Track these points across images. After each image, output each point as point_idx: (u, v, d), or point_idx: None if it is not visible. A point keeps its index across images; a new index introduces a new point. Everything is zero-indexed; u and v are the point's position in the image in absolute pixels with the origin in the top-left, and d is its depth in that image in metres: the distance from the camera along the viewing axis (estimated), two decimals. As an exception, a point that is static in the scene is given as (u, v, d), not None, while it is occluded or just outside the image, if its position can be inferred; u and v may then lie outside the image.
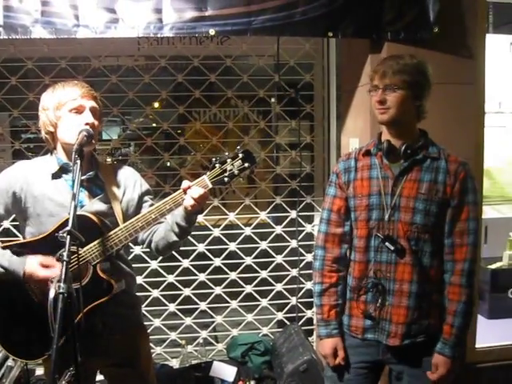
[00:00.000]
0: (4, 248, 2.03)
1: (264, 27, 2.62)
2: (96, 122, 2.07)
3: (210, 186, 1.97)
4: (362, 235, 2.16)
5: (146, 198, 2.25)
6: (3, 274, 1.98)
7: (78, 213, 1.88)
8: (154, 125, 3.99)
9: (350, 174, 2.21)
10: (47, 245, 2.00)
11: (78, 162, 1.85)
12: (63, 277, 1.62)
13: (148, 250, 2.29)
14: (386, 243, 2.07)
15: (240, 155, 1.97)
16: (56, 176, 2.09)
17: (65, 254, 1.66)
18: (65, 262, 1.64)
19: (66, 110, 2.05)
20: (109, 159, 4.13)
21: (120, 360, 2.21)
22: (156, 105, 3.86)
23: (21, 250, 2.03)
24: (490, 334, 3.26)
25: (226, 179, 1.96)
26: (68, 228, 1.70)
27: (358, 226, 2.18)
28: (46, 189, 2.06)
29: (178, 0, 2.58)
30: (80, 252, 1.96)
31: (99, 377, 2.39)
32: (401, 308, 2.09)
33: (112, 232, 2.01)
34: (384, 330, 2.13)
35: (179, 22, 2.57)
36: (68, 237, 1.70)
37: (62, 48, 3.36)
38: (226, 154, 1.99)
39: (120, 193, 2.17)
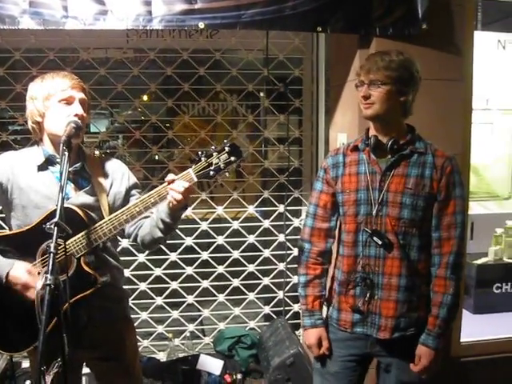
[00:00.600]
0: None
1: (253, 21, 2.61)
2: (85, 114, 2.06)
3: (195, 179, 1.96)
4: (350, 230, 2.17)
5: (134, 191, 2.24)
6: None
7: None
8: (143, 118, 3.98)
9: (339, 169, 2.22)
10: (32, 237, 1.99)
11: (66, 153, 1.84)
12: (50, 268, 1.61)
13: (134, 243, 2.29)
14: (374, 238, 2.09)
15: (226, 149, 1.95)
16: (42, 168, 2.07)
17: (52, 245, 1.66)
18: (51, 254, 1.64)
19: (55, 100, 2.03)
20: (97, 152, 4.11)
21: (105, 353, 2.20)
22: (145, 98, 3.86)
23: (5, 244, 2.03)
24: (475, 328, 3.29)
25: (211, 173, 1.95)
26: (55, 220, 1.70)
27: (347, 221, 2.19)
28: (31, 181, 2.05)
29: (168, -8, 2.57)
30: (63, 244, 1.95)
31: (85, 370, 2.39)
32: (390, 302, 2.11)
33: (96, 225, 2.00)
34: (374, 323, 2.14)
35: (169, 15, 2.56)
36: (55, 228, 1.69)
37: (50, 39, 3.35)
38: (213, 147, 1.97)
39: (107, 185, 2.16)
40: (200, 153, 1.97)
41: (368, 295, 2.13)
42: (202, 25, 2.58)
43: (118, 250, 3.23)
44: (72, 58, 3.58)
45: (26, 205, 2.04)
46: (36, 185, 2.04)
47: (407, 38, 2.75)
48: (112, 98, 3.59)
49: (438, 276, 2.11)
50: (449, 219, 2.09)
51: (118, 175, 2.21)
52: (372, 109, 2.06)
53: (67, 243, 1.95)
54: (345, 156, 2.22)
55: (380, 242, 2.08)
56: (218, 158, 1.94)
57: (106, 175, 2.17)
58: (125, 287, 2.36)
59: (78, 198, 2.07)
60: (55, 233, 1.69)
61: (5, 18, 2.46)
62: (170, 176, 1.97)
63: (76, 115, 2.01)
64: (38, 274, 1.92)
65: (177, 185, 1.94)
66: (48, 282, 1.59)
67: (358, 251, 2.16)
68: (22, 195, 2.04)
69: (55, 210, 1.83)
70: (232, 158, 1.94)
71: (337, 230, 2.30)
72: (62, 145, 1.85)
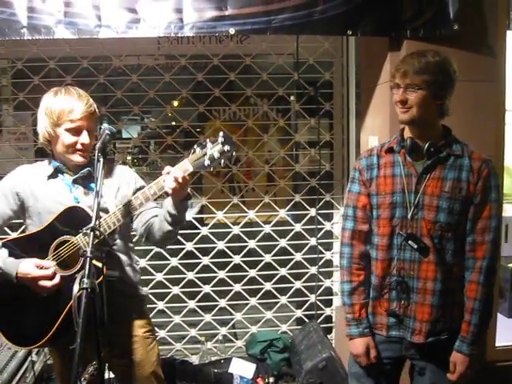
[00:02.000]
0: (3, 244, 2.14)
1: (283, 26, 2.63)
2: (89, 142, 2.14)
3: (191, 169, 1.99)
4: (385, 233, 2.14)
5: None
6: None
7: (71, 205, 2.06)
8: (174, 123, 4.02)
9: (373, 171, 2.18)
10: (43, 237, 2.08)
11: (101, 159, 1.89)
12: (86, 272, 1.66)
13: (147, 243, 2.36)
14: (409, 241, 2.06)
15: (219, 139, 1.97)
16: (53, 176, 2.19)
17: (88, 250, 1.71)
18: (88, 258, 1.68)
19: (63, 128, 2.11)
20: (129, 157, 4.18)
21: (120, 349, 2.24)
22: (176, 103, 3.90)
23: (18, 246, 2.13)
24: (511, 332, 3.24)
25: (206, 162, 1.97)
26: (92, 225, 1.75)
27: (381, 224, 2.15)
28: (44, 189, 2.16)
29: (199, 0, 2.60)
30: (72, 240, 2.03)
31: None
32: (425, 306, 2.09)
33: (101, 219, 2.03)
34: (408, 327, 2.12)
35: (199, 22, 2.59)
36: (91, 233, 1.74)
37: (84, 48, 3.42)
38: (208, 139, 2.01)
39: (114, 189, 2.23)
40: (196, 145, 2.01)
41: (403, 299, 2.11)
42: (232, 31, 2.61)
43: (151, 254, 3.28)
44: (105, 65, 3.65)
45: (41, 211, 2.15)
46: (49, 192, 2.15)
47: (438, 39, 2.72)
48: (144, 104, 3.65)
49: (470, 281, 2.07)
50: (483, 223, 2.05)
51: (125, 179, 2.30)
52: (409, 114, 2.03)
53: (76, 238, 2.03)
54: (379, 157, 2.19)
55: (415, 246, 2.05)
56: (212, 148, 1.97)
57: (113, 179, 2.27)
58: (145, 288, 2.39)
59: (87, 201, 2.13)
60: (91, 237, 1.75)
61: (41, 29, 2.53)
62: (167, 168, 2.02)
63: (82, 144, 2.12)
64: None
65: (172, 174, 1.98)
66: (85, 285, 1.63)
67: (393, 255, 2.13)
68: (36, 203, 2.15)
69: (65, 210, 2.02)
70: (225, 148, 1.97)
71: None
72: (96, 151, 1.90)
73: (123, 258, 2.26)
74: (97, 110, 2.21)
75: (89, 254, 1.69)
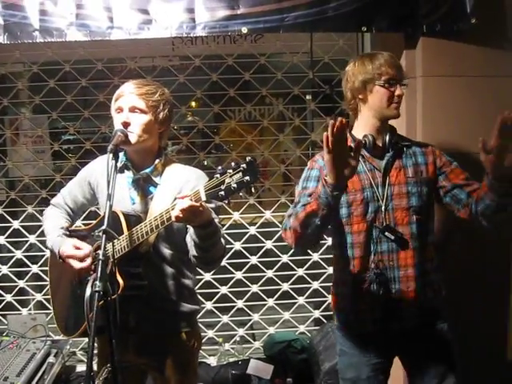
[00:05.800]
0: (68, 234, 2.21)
1: (296, 24, 2.62)
2: (130, 120, 2.04)
3: (204, 198, 1.72)
4: (361, 229, 2.13)
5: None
6: (53, 254, 2.18)
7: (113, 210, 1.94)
8: (190, 119, 4.01)
9: None
10: (90, 236, 2.15)
11: (113, 162, 1.87)
12: (99, 275, 1.65)
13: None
14: (386, 233, 2.10)
15: (241, 167, 1.65)
16: (121, 171, 2.14)
17: (100, 253, 1.69)
18: (100, 261, 1.67)
19: (113, 111, 2.12)
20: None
21: (152, 362, 2.22)
22: (193, 104, 3.90)
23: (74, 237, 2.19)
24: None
25: (220, 193, 1.67)
26: (103, 227, 1.74)
27: (354, 222, 2.14)
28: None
29: (210, -1, 2.60)
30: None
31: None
32: (409, 292, 2.13)
33: (125, 235, 1.99)
34: (394, 316, 2.14)
35: (212, 21, 2.59)
36: (104, 236, 1.73)
37: (98, 50, 3.43)
38: (233, 163, 1.69)
39: (173, 195, 2.05)
40: (219, 168, 1.71)
41: (385, 291, 2.11)
42: (244, 29, 2.61)
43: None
44: (120, 67, 3.66)
45: (102, 204, 2.16)
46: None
47: (455, 34, 2.69)
48: (159, 105, 3.64)
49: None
50: (465, 175, 2.15)
51: (189, 187, 2.06)
52: (399, 108, 2.15)
53: (109, 245, 1.99)
54: None
55: (392, 237, 2.09)
56: (231, 176, 1.66)
57: (176, 185, 2.12)
58: (186, 303, 2.23)
59: (141, 204, 2.12)
60: (104, 240, 1.73)
61: (53, 31, 2.55)
62: (184, 192, 1.91)
63: (121, 123, 2.04)
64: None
65: (179, 203, 1.78)
66: (97, 288, 1.63)
67: (370, 250, 2.14)
68: (102, 196, 2.18)
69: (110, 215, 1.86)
70: (245, 179, 1.64)
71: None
72: (108, 153, 1.89)
73: (169, 270, 2.15)
74: (152, 97, 2.09)
75: (101, 257, 1.68)
